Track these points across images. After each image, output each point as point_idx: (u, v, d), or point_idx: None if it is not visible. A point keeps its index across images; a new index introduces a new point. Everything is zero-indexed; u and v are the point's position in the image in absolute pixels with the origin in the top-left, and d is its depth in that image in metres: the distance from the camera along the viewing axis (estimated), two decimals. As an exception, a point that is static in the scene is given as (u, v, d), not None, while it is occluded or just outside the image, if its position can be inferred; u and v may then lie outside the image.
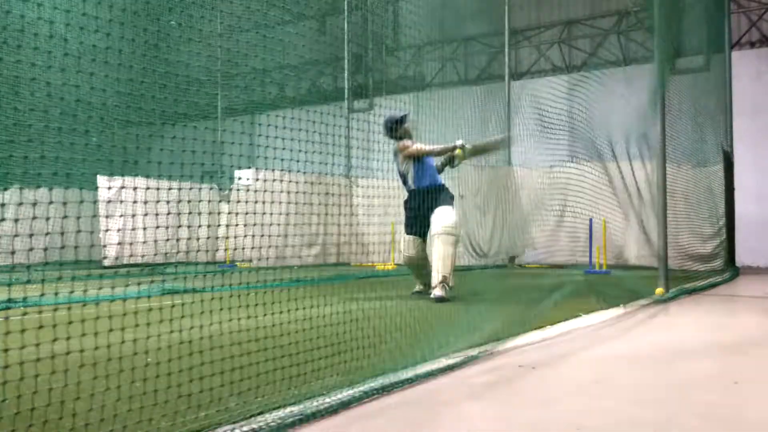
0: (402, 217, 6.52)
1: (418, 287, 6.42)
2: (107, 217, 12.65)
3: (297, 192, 11.28)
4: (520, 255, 13.29)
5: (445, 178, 6.76)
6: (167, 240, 11.73)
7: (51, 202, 2.72)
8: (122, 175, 12.01)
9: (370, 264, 13.34)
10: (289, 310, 3.31)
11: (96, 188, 12.56)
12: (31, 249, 2.71)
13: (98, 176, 12.46)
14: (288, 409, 2.05)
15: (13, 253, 2.72)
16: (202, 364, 2.43)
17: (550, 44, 16.52)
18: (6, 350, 2.22)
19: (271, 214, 4.53)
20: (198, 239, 13.85)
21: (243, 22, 14.69)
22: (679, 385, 2.70)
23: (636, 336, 4.09)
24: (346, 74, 15.72)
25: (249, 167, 11.96)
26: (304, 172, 4.81)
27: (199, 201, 13.24)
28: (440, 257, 5.86)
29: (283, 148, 4.26)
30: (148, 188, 4.55)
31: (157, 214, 4.35)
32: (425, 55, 17.99)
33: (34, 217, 2.62)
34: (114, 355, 2.34)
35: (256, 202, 4.88)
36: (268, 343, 2.77)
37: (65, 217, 2.67)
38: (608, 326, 4.39)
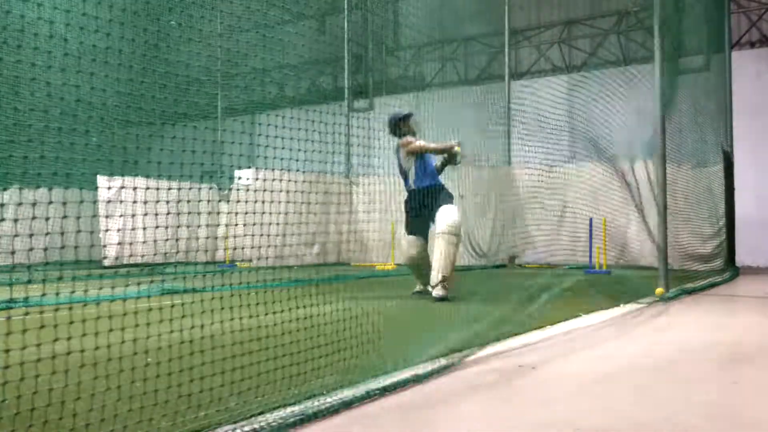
0: (402, 217, 6.52)
1: (418, 287, 6.42)
2: (107, 217, 12.65)
3: (297, 191, 11.28)
4: (520, 255, 13.29)
5: (445, 179, 6.77)
6: (167, 240, 11.74)
7: (50, 202, 2.72)
8: (122, 175, 12.01)
9: (370, 264, 13.34)
10: (290, 309, 3.31)
11: (96, 188, 12.56)
12: (31, 249, 2.71)
13: (98, 176, 12.46)
14: (289, 409, 2.06)
15: (13, 252, 2.72)
16: (203, 364, 2.43)
17: (550, 44, 16.52)
18: (7, 350, 2.22)
19: (271, 213, 4.53)
20: (198, 239, 13.86)
21: (243, 22, 14.69)
22: (679, 385, 2.70)
23: (636, 336, 4.09)
24: (346, 74, 15.72)
25: (249, 167, 11.95)
26: (304, 172, 4.81)
27: (199, 201, 13.24)
28: (442, 256, 5.86)
29: (283, 148, 4.26)
30: (147, 188, 4.55)
31: (157, 214, 4.35)
32: (425, 55, 17.99)
33: (34, 217, 2.62)
34: (114, 355, 2.34)
35: (255, 201, 4.88)
36: (268, 343, 2.77)
37: (64, 217, 2.67)
38: (608, 326, 4.39)
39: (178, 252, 12.95)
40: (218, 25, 15.30)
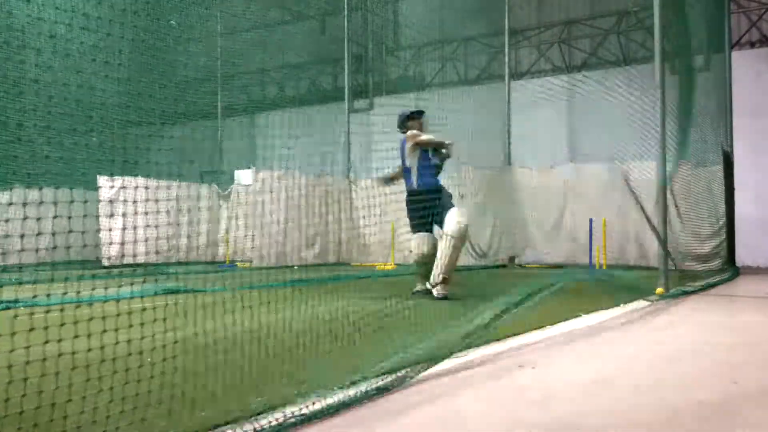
0: (403, 216, 6.54)
1: (419, 287, 6.43)
2: (107, 217, 12.64)
3: (296, 191, 11.29)
4: (520, 255, 13.29)
5: (445, 179, 6.80)
6: (167, 240, 11.74)
7: (44, 202, 2.72)
8: (122, 175, 12.01)
9: (370, 264, 13.34)
10: (288, 309, 3.32)
11: (96, 188, 12.55)
12: (22, 250, 2.71)
13: (98, 176, 12.45)
14: (288, 410, 2.06)
15: (5, 254, 2.72)
16: (203, 365, 2.43)
17: (550, 44, 16.51)
18: (12, 350, 2.22)
19: (269, 213, 4.54)
20: (198, 239, 13.85)
21: (243, 22, 14.68)
22: (679, 385, 2.70)
23: (636, 336, 4.10)
24: (346, 74, 15.72)
25: (249, 167, 11.96)
26: (305, 172, 4.82)
27: (198, 201, 13.24)
28: (447, 257, 5.95)
29: (289, 148, 4.27)
30: (146, 188, 4.56)
31: (158, 212, 4.36)
32: (425, 55, 17.99)
33: (25, 218, 2.62)
34: (108, 356, 2.34)
35: (251, 201, 4.88)
36: (268, 343, 2.77)
37: (58, 216, 2.67)
38: (608, 326, 4.39)
39: (178, 252, 12.95)
40: (218, 25, 15.29)
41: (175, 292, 6.07)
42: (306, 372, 2.57)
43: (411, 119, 6.54)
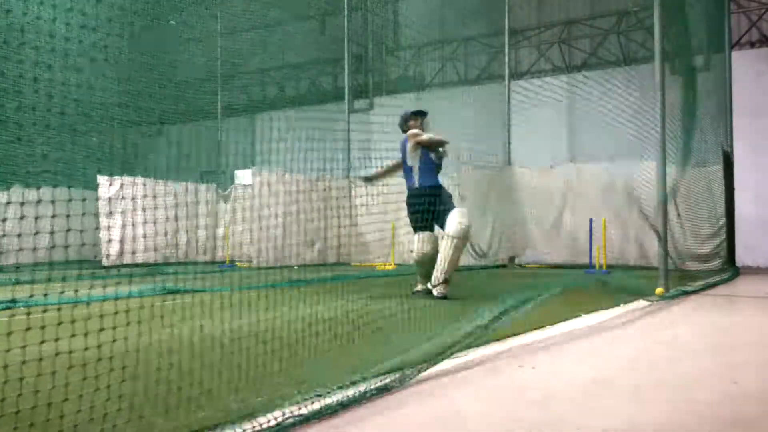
0: (403, 216, 6.55)
1: (419, 287, 6.43)
2: (107, 217, 12.64)
3: (297, 191, 11.28)
4: (520, 255, 13.29)
5: (445, 178, 6.81)
6: (167, 240, 11.74)
7: (39, 201, 2.72)
8: (122, 175, 12.00)
9: (370, 264, 13.34)
10: (288, 309, 3.31)
11: (96, 188, 12.55)
12: (19, 249, 2.71)
13: (98, 176, 12.45)
14: (287, 409, 2.05)
15: (3, 253, 2.72)
16: (203, 364, 2.43)
17: (550, 44, 16.51)
18: (8, 350, 2.22)
19: (269, 213, 4.53)
20: (197, 239, 13.85)
21: (243, 22, 14.67)
22: (679, 385, 2.70)
23: (636, 336, 4.09)
24: (346, 74, 15.72)
25: (249, 167, 11.95)
26: (305, 172, 4.82)
27: (198, 201, 13.23)
28: (448, 258, 5.98)
29: (287, 148, 4.27)
30: (145, 186, 4.56)
31: (156, 212, 4.35)
32: (425, 55, 17.99)
33: (23, 217, 2.61)
34: (106, 355, 2.34)
35: (251, 201, 4.88)
36: (268, 343, 2.77)
37: (57, 216, 2.66)
38: (608, 326, 4.39)
39: (178, 251, 12.94)
40: (218, 25, 15.28)
41: (174, 291, 6.07)
42: (305, 372, 2.57)
43: (412, 119, 6.57)
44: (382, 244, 13.13)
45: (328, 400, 2.18)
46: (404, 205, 6.59)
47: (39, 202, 2.89)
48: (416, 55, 18.01)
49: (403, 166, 6.54)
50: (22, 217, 2.59)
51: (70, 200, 2.77)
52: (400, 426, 2.09)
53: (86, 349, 2.26)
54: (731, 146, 11.54)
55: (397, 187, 6.81)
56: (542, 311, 4.55)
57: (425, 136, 6.37)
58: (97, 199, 12.27)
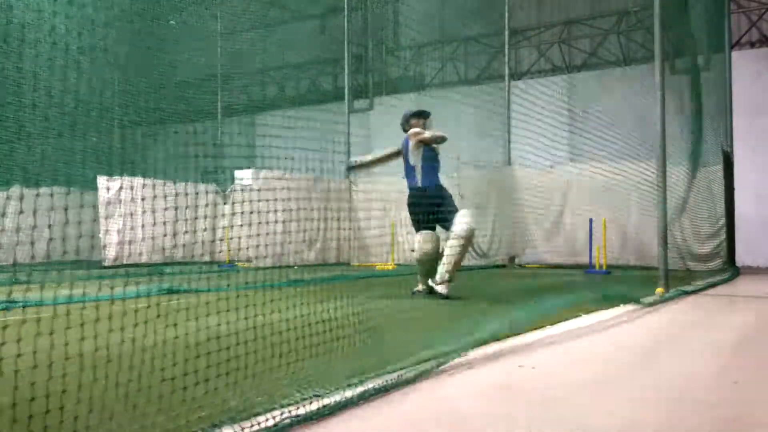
0: (403, 216, 6.57)
1: (420, 286, 6.43)
2: (107, 217, 12.64)
3: (297, 191, 11.28)
4: (520, 255, 13.29)
5: (445, 178, 6.81)
6: (167, 240, 11.74)
7: (41, 198, 2.72)
8: (122, 175, 12.00)
9: (370, 264, 13.34)
10: (288, 308, 3.31)
11: (96, 188, 12.55)
12: (16, 246, 2.72)
13: (98, 176, 12.45)
14: (287, 409, 2.05)
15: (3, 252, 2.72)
16: (205, 364, 2.43)
17: (550, 44, 16.52)
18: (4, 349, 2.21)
19: (269, 213, 4.54)
20: (198, 239, 13.84)
21: (243, 22, 14.67)
22: (679, 385, 2.70)
23: (636, 336, 4.09)
24: (346, 74, 15.71)
25: (249, 167, 11.94)
26: (305, 172, 4.82)
27: (198, 201, 13.23)
28: (453, 257, 6.01)
29: (285, 148, 4.27)
30: (145, 186, 4.56)
31: (156, 212, 4.36)
32: (425, 55, 17.99)
33: (21, 212, 2.61)
34: (108, 354, 2.34)
35: (251, 201, 4.88)
36: (268, 342, 2.77)
37: (57, 216, 2.66)
38: (608, 326, 4.39)
39: (178, 252, 12.95)
40: (218, 25, 15.27)
41: (174, 291, 6.07)
42: (305, 371, 2.57)
43: (414, 118, 6.59)
44: (382, 244, 13.14)
45: (328, 400, 2.18)
46: (404, 205, 6.60)
47: (38, 198, 2.89)
48: (416, 55, 18.01)
49: (404, 162, 6.55)
50: (21, 213, 2.59)
51: (68, 196, 2.77)
52: (400, 425, 2.09)
53: (96, 350, 2.26)
54: (731, 146, 11.55)
55: (397, 186, 6.82)
56: (542, 311, 4.56)
57: (427, 134, 6.39)
58: (96, 200, 12.27)
